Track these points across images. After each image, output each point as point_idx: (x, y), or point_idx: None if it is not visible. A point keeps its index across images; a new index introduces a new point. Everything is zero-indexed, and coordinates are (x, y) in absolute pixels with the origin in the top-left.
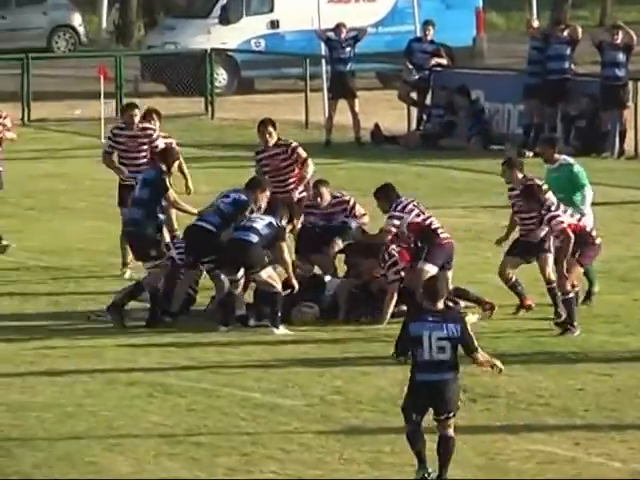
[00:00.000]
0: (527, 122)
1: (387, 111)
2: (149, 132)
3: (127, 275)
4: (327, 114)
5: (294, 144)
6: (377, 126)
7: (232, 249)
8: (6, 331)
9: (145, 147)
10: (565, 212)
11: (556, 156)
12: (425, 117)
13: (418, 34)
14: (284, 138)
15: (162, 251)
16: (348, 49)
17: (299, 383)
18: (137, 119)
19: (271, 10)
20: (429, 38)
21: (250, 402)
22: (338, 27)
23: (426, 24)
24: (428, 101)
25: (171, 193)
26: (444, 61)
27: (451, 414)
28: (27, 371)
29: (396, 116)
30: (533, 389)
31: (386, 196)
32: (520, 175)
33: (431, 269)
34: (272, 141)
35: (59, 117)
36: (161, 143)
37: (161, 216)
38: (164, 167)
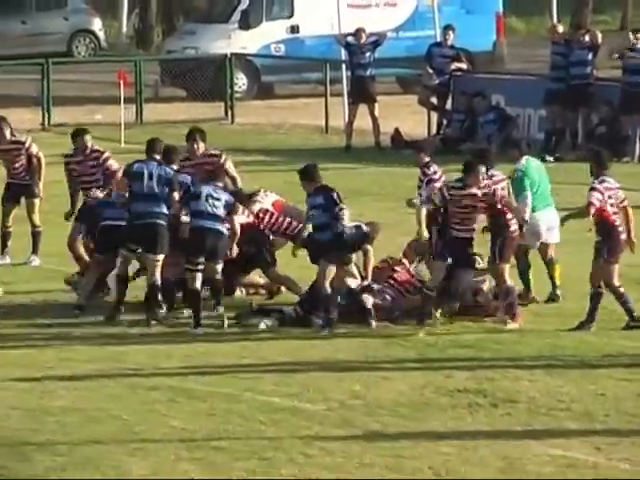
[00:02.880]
0: (548, 127)
1: (407, 116)
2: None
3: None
4: (347, 119)
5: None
6: (397, 131)
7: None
8: (27, 336)
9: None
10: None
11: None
12: (445, 122)
13: (438, 39)
14: None
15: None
16: (368, 54)
17: (319, 387)
18: (89, 144)
19: (291, 15)
20: (449, 43)
21: (270, 406)
22: (358, 32)
23: (446, 29)
24: (448, 106)
25: (176, 195)
26: (464, 66)
27: None
28: (47, 376)
29: (416, 121)
30: (554, 394)
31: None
32: (423, 160)
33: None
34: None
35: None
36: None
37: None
38: (175, 167)
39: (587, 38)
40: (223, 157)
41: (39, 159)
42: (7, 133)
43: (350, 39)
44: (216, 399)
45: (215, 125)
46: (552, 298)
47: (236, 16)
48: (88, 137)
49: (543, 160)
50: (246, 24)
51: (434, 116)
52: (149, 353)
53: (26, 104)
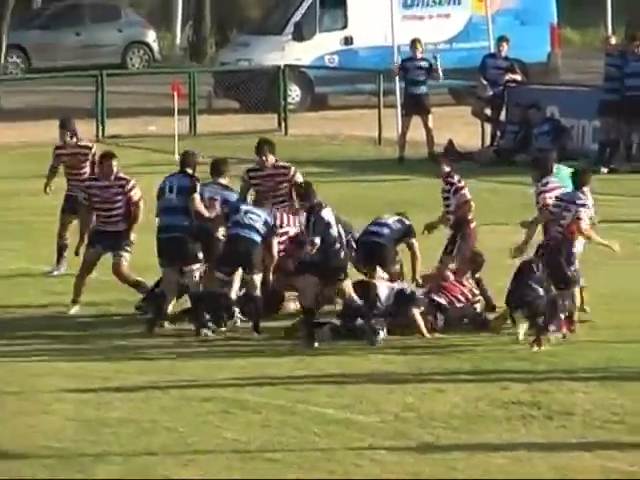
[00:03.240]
0: (602, 138)
1: (460, 127)
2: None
3: (72, 311)
4: (400, 130)
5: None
6: (451, 142)
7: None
8: (81, 347)
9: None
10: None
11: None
12: (499, 133)
13: (492, 50)
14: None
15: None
16: (422, 72)
17: (372, 399)
18: (115, 169)
19: (345, 26)
20: (503, 54)
21: (324, 418)
22: (413, 42)
23: (500, 40)
24: (502, 117)
25: (196, 196)
26: (518, 77)
27: None
28: (102, 387)
29: (469, 132)
30: (608, 406)
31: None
32: (446, 170)
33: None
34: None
35: (133, 133)
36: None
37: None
38: (224, 180)
39: None
40: (292, 169)
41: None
42: (69, 137)
43: (406, 62)
44: (270, 410)
45: (268, 137)
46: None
47: (290, 28)
48: (115, 162)
49: (596, 172)
50: (300, 36)
51: (488, 127)
52: (203, 365)
53: (80, 116)
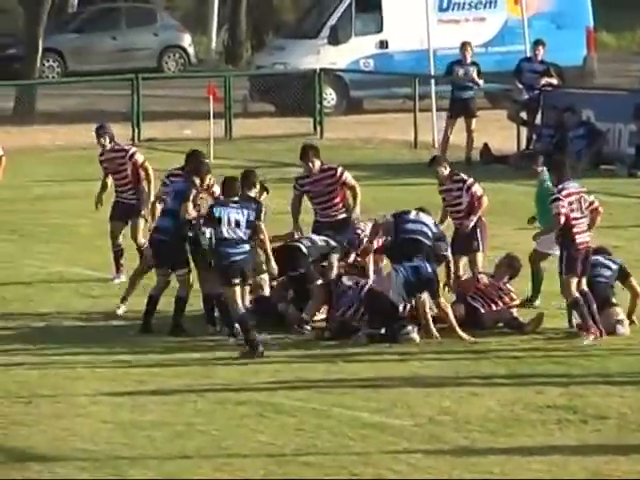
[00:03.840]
0: (639, 142)
1: (496, 131)
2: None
3: (120, 311)
4: (444, 133)
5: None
6: (486, 146)
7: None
8: (116, 350)
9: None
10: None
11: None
12: (535, 137)
13: (528, 54)
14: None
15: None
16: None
17: (407, 403)
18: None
19: (380, 30)
20: (539, 58)
21: (359, 422)
22: (464, 45)
23: (536, 44)
24: (538, 121)
25: (188, 205)
26: (554, 81)
27: None
28: (137, 390)
29: (505, 136)
30: None
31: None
32: (446, 171)
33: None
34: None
35: (169, 137)
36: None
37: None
38: (197, 180)
39: None
40: (339, 170)
41: (146, 170)
42: (105, 142)
43: (454, 61)
44: (305, 414)
45: (304, 140)
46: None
47: (325, 31)
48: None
49: (633, 175)
50: (335, 39)
51: (524, 131)
52: (237, 368)
53: (116, 119)
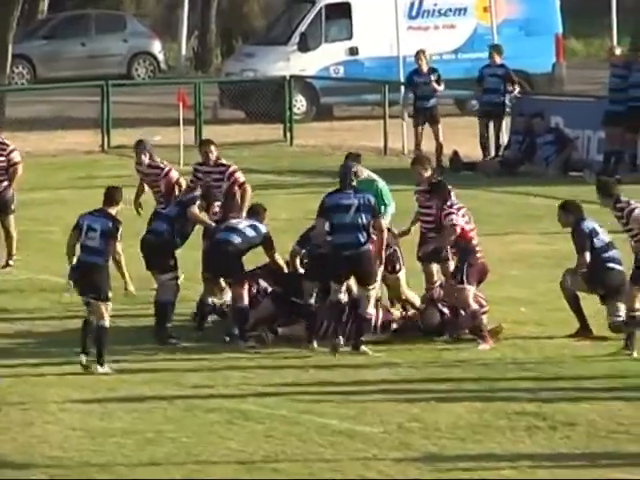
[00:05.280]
0: (607, 149)
1: (465, 138)
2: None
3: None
4: (415, 141)
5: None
6: (456, 153)
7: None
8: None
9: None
10: (463, 216)
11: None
12: (504, 144)
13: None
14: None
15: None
16: (431, 86)
17: (377, 410)
18: (213, 155)
19: (350, 37)
20: (497, 62)
21: (328, 429)
22: (418, 54)
23: (491, 49)
24: (504, 128)
25: (193, 208)
26: (517, 87)
27: None
28: (106, 397)
29: (474, 143)
30: (613, 417)
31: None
32: (427, 173)
33: (472, 289)
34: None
35: None
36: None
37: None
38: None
39: None
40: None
41: (180, 186)
42: (144, 157)
43: (415, 77)
44: (274, 421)
45: (274, 147)
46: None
47: (295, 38)
48: (213, 147)
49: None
50: (305, 46)
51: (493, 138)
52: (206, 375)
53: (86, 126)
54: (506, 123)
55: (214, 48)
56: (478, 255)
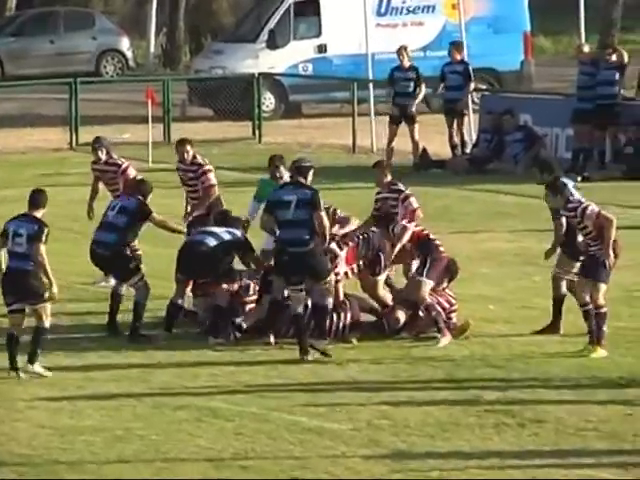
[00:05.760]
0: (576, 147)
1: (434, 135)
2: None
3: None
4: (388, 139)
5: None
6: (424, 150)
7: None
8: (54, 355)
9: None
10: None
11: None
12: (472, 141)
13: (466, 58)
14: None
15: (138, 263)
16: (411, 83)
17: (346, 407)
18: (189, 156)
19: (319, 34)
20: (458, 58)
21: (297, 426)
22: (400, 50)
23: (451, 45)
24: (473, 125)
25: (155, 215)
26: (472, 84)
27: None
28: (75, 395)
29: (443, 141)
30: (582, 414)
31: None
32: (387, 178)
33: (430, 284)
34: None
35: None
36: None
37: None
38: (141, 197)
39: (614, 58)
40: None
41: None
42: (102, 155)
43: (396, 72)
44: (243, 418)
45: (242, 144)
46: None
47: (264, 36)
48: (189, 147)
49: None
50: (274, 43)
51: (465, 135)
52: (175, 373)
53: (54, 123)
54: (474, 121)
55: (183, 45)
56: (441, 249)
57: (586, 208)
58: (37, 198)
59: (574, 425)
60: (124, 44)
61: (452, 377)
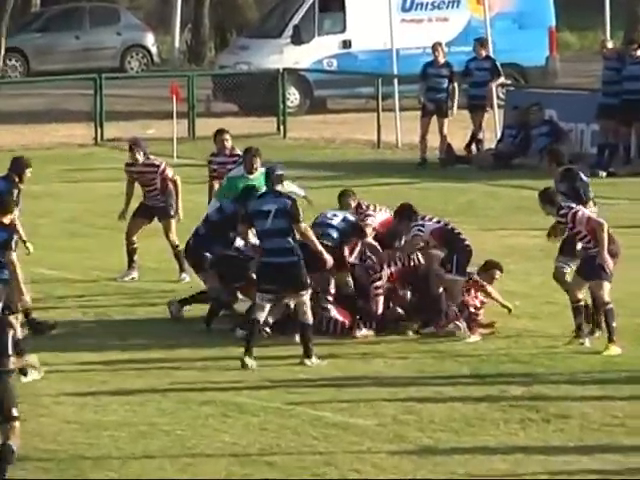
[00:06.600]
0: (601, 142)
1: (457, 131)
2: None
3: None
4: (420, 133)
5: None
6: (449, 146)
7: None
8: (80, 350)
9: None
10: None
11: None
12: (499, 136)
13: (491, 54)
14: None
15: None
16: (444, 79)
17: (371, 402)
18: (229, 144)
19: (343, 30)
20: (483, 55)
21: (322, 421)
22: (435, 46)
23: (476, 42)
24: (484, 119)
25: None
26: (502, 79)
27: None
28: (100, 390)
29: (466, 136)
30: (607, 409)
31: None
32: (354, 204)
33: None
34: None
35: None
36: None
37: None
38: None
39: (639, 53)
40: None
41: (175, 182)
42: (139, 156)
43: (429, 69)
44: (268, 414)
45: (267, 140)
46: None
47: (289, 31)
48: (228, 136)
49: (595, 175)
50: (299, 39)
51: (487, 131)
52: (201, 368)
53: (79, 119)
54: (499, 116)
55: (207, 41)
56: (462, 237)
57: (576, 213)
58: (5, 203)
59: (599, 420)
60: (149, 40)
61: (477, 372)
